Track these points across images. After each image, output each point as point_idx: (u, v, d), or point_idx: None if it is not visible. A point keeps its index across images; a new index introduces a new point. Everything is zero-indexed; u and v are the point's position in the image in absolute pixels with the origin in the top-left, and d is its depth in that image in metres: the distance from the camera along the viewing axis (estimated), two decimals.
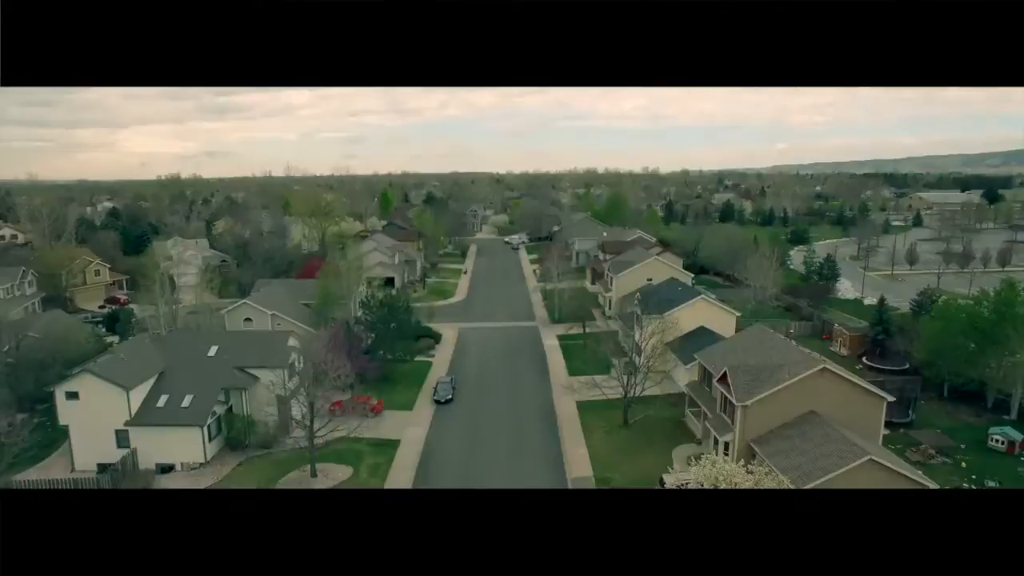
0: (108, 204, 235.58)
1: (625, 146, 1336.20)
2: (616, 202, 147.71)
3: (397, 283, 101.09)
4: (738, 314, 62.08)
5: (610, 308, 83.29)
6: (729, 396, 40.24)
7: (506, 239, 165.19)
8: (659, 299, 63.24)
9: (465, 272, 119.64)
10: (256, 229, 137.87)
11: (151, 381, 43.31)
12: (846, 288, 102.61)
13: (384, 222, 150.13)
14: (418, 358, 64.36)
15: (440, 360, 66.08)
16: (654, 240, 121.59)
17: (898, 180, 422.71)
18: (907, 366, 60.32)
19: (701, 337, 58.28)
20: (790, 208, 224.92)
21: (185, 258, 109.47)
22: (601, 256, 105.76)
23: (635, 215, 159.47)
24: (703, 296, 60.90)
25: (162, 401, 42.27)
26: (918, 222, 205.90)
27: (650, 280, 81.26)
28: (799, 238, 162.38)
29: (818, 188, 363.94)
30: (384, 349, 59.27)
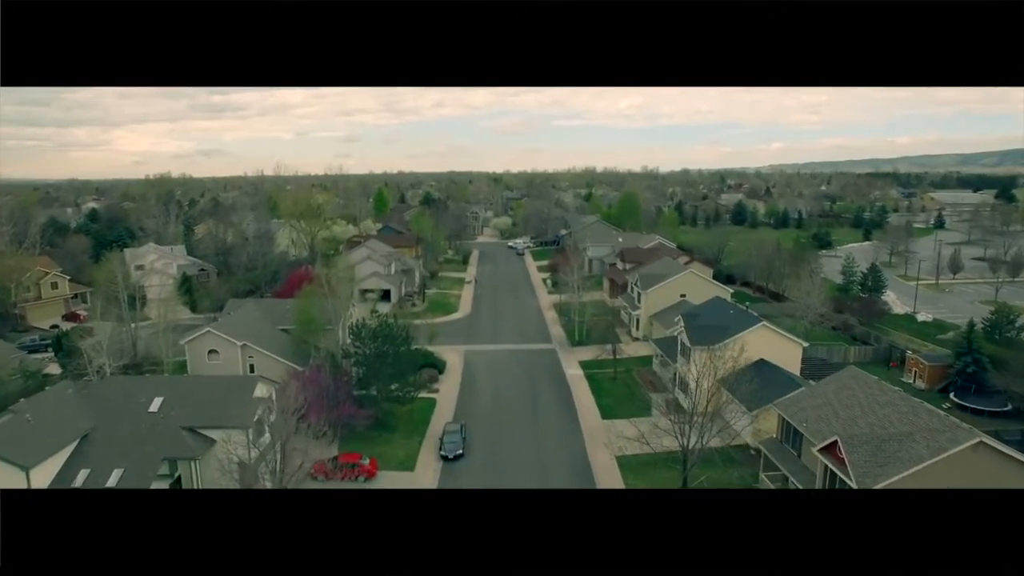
0: (91, 205, 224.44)
1: (622, 145, 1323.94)
2: (629, 204, 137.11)
3: (393, 296, 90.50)
4: (805, 344, 51.70)
5: (637, 328, 72.91)
6: (844, 476, 29.84)
7: (510, 243, 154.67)
8: (707, 323, 52.81)
9: (468, 281, 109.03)
10: (241, 233, 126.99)
11: (69, 449, 32.72)
12: (891, 301, 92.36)
13: (379, 225, 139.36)
14: (419, 394, 53.80)
15: (445, 396, 55.55)
16: (674, 246, 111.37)
17: (901, 179, 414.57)
18: (1008, 407, 50.17)
19: (763, 373, 47.97)
20: (804, 210, 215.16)
21: (157, 267, 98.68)
22: (620, 265, 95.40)
23: (648, 218, 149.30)
24: (764, 323, 50.50)
25: (81, 478, 31.67)
26: (940, 224, 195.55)
27: (684, 296, 71.06)
28: (823, 242, 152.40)
29: (823, 188, 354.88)
30: (378, 388, 48.69)
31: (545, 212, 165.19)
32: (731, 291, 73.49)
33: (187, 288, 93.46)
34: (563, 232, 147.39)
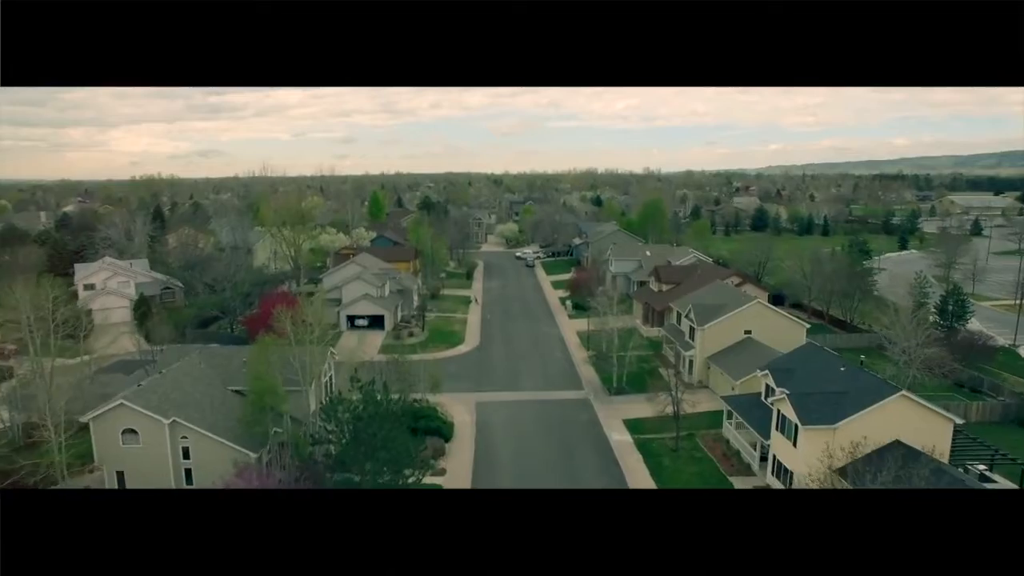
0: (69, 208, 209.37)
1: (619, 146, 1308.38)
2: (654, 211, 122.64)
3: (387, 323, 76.28)
4: (958, 421, 37.48)
5: (690, 372, 58.63)
6: None
7: (518, 253, 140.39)
8: (811, 387, 38.66)
9: (474, 301, 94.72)
10: (217, 243, 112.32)
11: None
12: (978, 330, 78.15)
13: (373, 234, 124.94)
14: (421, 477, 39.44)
15: (455, 480, 41.25)
16: (710, 260, 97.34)
17: (909, 180, 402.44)
18: None
19: (906, 464, 33.69)
20: (828, 215, 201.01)
21: (111, 286, 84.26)
22: (655, 286, 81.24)
23: (672, 225, 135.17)
24: (904, 393, 36.24)
25: None
26: (978, 230, 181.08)
27: (749, 333, 56.98)
28: (863, 253, 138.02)
29: (834, 190, 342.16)
30: (362, 481, 34.28)
31: (556, 218, 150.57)
32: (807, 326, 59.23)
33: (143, 312, 79.00)
34: (577, 241, 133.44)
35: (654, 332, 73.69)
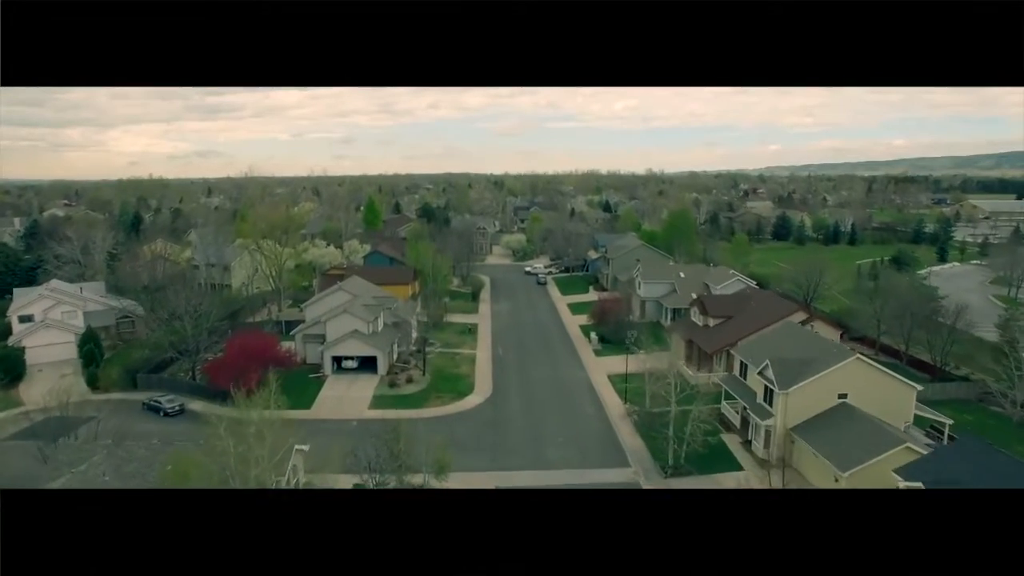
0: (52, 212, 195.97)
1: (619, 147, 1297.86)
2: (681, 222, 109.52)
3: (381, 365, 63.25)
4: None
5: (766, 445, 45.68)
6: None
7: (527, 268, 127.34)
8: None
9: (470, 331, 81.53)
10: (195, 260, 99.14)
11: None
12: None
13: (367, 248, 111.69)
14: None
15: None
16: (754, 283, 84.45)
17: (919, 182, 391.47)
18: None
19: None
20: (855, 222, 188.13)
21: (53, 318, 70.98)
22: (700, 319, 68.30)
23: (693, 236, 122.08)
24: None
25: None
26: (1019, 238, 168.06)
27: (844, 397, 44.16)
28: (902, 266, 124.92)
29: (844, 193, 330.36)
30: None
31: (568, 228, 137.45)
32: (919, 387, 46.14)
33: (90, 351, 65.89)
34: (593, 255, 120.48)
35: (703, 377, 60.81)
